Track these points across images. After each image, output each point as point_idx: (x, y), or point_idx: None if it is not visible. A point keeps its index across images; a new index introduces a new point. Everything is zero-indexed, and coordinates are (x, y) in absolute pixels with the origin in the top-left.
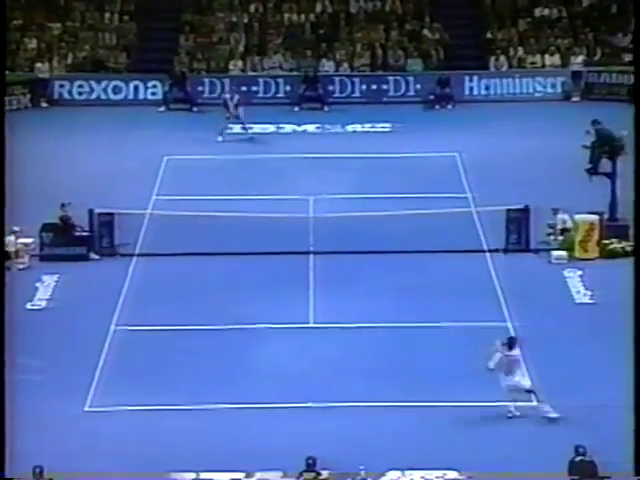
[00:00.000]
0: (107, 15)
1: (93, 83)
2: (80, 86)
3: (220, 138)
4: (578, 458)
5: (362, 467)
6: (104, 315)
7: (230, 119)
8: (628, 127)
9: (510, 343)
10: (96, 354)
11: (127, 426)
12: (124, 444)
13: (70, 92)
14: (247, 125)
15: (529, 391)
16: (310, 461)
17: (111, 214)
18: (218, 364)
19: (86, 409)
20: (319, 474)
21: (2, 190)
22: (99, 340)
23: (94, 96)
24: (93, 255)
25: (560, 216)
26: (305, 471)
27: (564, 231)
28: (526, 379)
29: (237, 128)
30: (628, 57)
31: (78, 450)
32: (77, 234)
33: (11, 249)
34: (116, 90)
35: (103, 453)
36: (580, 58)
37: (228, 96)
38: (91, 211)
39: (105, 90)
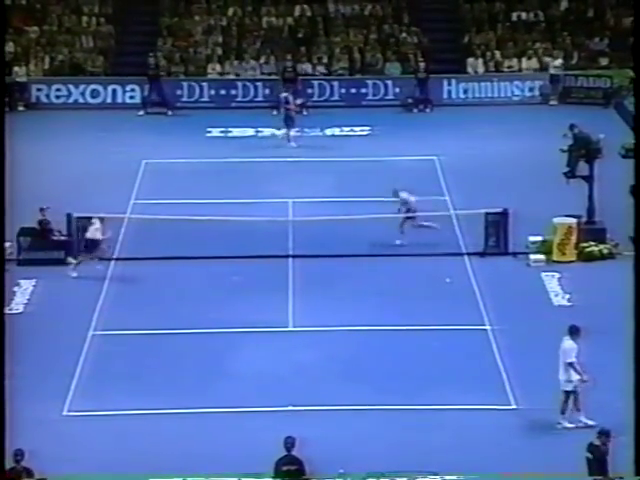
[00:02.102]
0: (85, 19)
1: (71, 87)
2: (58, 90)
3: (293, 144)
4: (597, 442)
5: (342, 470)
6: (82, 319)
7: (290, 120)
8: (605, 130)
9: (570, 331)
10: (74, 358)
11: (105, 430)
12: (103, 448)
13: (48, 96)
14: (291, 132)
15: (569, 392)
16: (288, 443)
17: (89, 218)
18: (197, 368)
19: (64, 413)
20: (301, 470)
21: (2, 191)
22: (77, 344)
23: (72, 100)
24: (71, 260)
25: (403, 196)
26: (284, 463)
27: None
28: (569, 377)
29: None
30: (605, 61)
31: (56, 454)
32: (55, 238)
33: None
34: (94, 94)
35: (82, 458)
36: (557, 62)
37: (285, 94)
38: (69, 215)
39: (83, 94)
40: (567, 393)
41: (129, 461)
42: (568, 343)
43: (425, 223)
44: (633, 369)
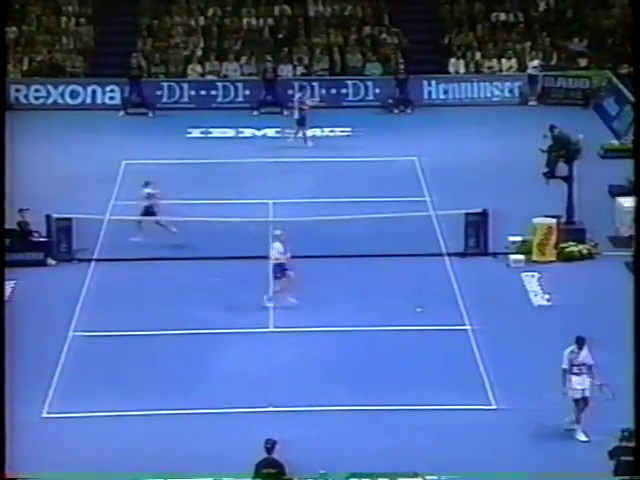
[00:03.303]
0: (64, 19)
1: (50, 87)
2: (37, 90)
3: (311, 143)
4: (623, 443)
5: (323, 471)
6: (62, 321)
7: (303, 120)
8: (584, 131)
9: (578, 343)
10: (54, 360)
11: (85, 432)
12: (83, 450)
13: (27, 96)
14: (307, 132)
15: (581, 399)
16: (269, 445)
17: (69, 219)
18: (178, 369)
19: (44, 415)
20: (281, 472)
21: (2, 191)
22: (57, 346)
23: (51, 100)
24: (50, 261)
25: (147, 190)
26: (264, 466)
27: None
28: (582, 386)
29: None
30: (584, 62)
31: (35, 457)
32: (34, 240)
33: None
34: (73, 94)
35: (61, 460)
36: (535, 62)
37: (299, 94)
38: (48, 216)
39: (62, 94)
40: (574, 401)
41: (110, 462)
42: (566, 350)
43: (163, 223)
44: (633, 370)
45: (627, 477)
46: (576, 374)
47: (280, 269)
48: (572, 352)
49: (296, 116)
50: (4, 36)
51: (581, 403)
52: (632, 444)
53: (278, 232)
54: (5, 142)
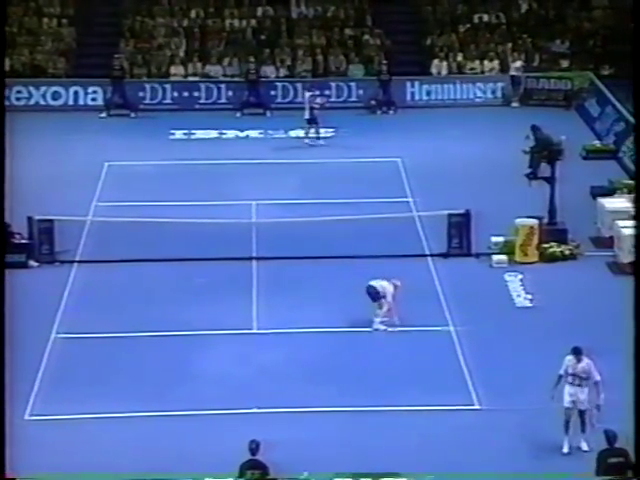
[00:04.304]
0: (46, 20)
1: (32, 89)
2: (19, 92)
3: (323, 142)
4: (604, 449)
5: (306, 473)
6: (44, 323)
7: (312, 122)
8: (566, 132)
9: (576, 353)
10: (36, 362)
11: (69, 434)
12: (66, 452)
13: (8, 98)
14: (319, 131)
15: (572, 410)
16: (253, 445)
17: (51, 221)
18: (161, 371)
19: (26, 417)
20: (265, 474)
21: (2, 191)
22: (39, 348)
23: (33, 102)
24: (32, 263)
25: None
26: (248, 467)
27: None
28: (570, 398)
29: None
30: (565, 63)
31: (18, 459)
32: (16, 241)
33: None
34: (55, 96)
35: (44, 462)
36: (517, 64)
37: (309, 94)
38: (30, 218)
39: (44, 96)
40: (566, 409)
41: (93, 464)
42: (567, 356)
43: None
44: (633, 370)
45: (620, 477)
46: (569, 383)
47: (375, 295)
48: (570, 360)
49: (306, 115)
50: (4, 37)
51: (573, 414)
52: (617, 445)
53: (398, 282)
54: (5, 143)
